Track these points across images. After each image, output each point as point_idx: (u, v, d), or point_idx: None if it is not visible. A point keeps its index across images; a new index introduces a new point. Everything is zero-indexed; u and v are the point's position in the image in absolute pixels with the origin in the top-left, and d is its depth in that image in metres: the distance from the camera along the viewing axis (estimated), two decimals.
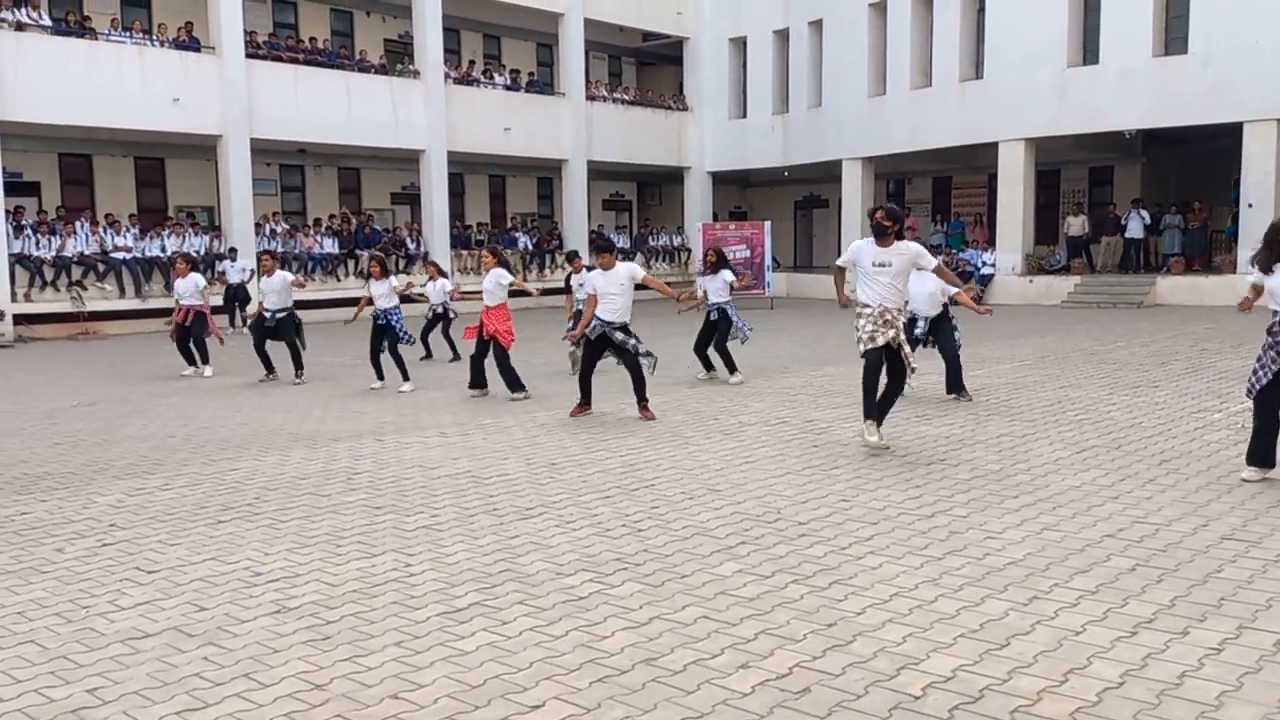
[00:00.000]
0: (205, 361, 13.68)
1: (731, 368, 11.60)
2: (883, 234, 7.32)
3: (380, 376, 11.89)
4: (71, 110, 19.89)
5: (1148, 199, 24.78)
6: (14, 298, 19.52)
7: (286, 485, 6.95)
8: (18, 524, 6.09)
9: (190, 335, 13.67)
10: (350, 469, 7.43)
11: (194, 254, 20.60)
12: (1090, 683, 3.55)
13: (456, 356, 14.51)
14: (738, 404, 9.98)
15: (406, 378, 11.80)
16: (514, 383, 10.70)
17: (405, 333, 11.96)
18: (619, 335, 9.20)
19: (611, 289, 9.24)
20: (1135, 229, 24.00)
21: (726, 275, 11.66)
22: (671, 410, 9.68)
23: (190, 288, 13.55)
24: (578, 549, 5.28)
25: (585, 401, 9.58)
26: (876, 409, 7.50)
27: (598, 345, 9.34)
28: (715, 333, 11.61)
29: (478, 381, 11.01)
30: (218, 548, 5.50)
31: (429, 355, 14.84)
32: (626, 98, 30.78)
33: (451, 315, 14.93)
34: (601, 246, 9.60)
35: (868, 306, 7.39)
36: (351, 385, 12.27)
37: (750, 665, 3.78)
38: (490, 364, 10.80)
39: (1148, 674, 3.61)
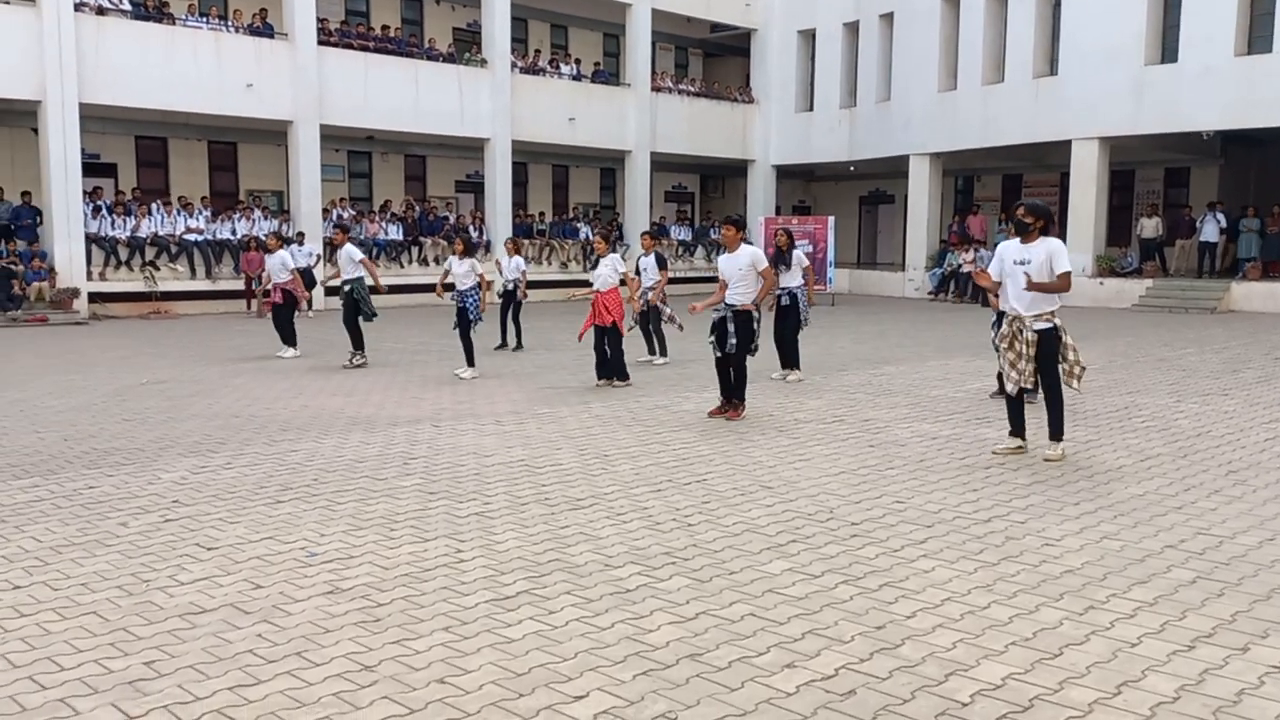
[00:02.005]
0: (291, 344, 13.92)
1: (790, 363, 11.30)
2: (1025, 231, 7.04)
3: (471, 362, 11.80)
4: (149, 94, 20.36)
5: (1225, 202, 24.11)
6: (90, 276, 20.08)
7: (344, 468, 7.06)
8: (85, 498, 6.26)
9: (280, 314, 13.94)
10: (406, 454, 7.52)
11: (265, 237, 21.06)
12: (1144, 696, 3.47)
13: (520, 345, 14.55)
14: (794, 401, 9.91)
15: (471, 364, 11.78)
16: (622, 370, 10.78)
17: (478, 315, 11.79)
18: (731, 339, 8.66)
19: (730, 273, 8.68)
20: (1210, 232, 23.34)
21: (798, 256, 11.28)
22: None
23: (277, 264, 13.87)
24: (627, 542, 5.29)
25: (725, 399, 9.06)
26: (1022, 427, 7.40)
27: (719, 330, 8.81)
28: (786, 321, 11.24)
29: (610, 370, 10.87)
30: (275, 527, 5.60)
31: (504, 344, 14.59)
32: (692, 89, 30.69)
33: (520, 297, 14.80)
34: (731, 221, 9.02)
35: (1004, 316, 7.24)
36: (412, 371, 12.41)
37: (796, 665, 3.75)
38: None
39: (1204, 690, 3.52)
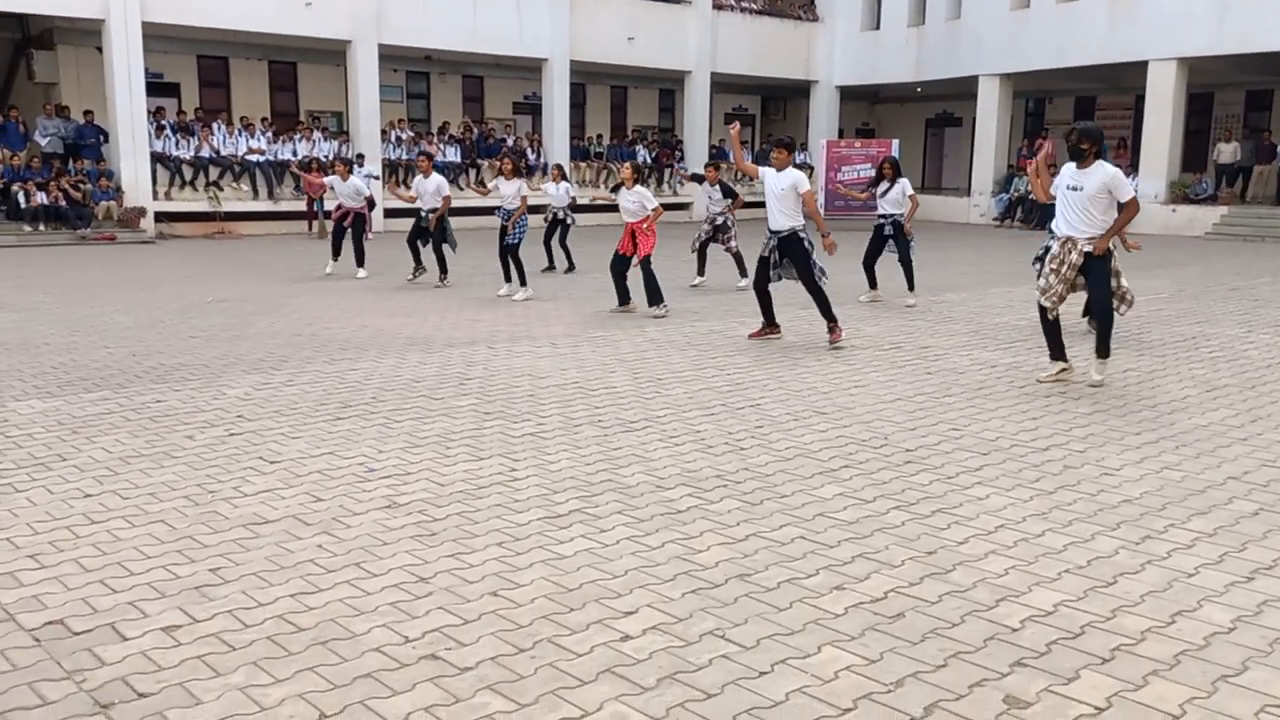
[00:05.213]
0: (360, 264, 14.17)
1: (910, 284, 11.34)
2: (1080, 157, 6.95)
3: (508, 279, 11.98)
4: (209, 12, 20.40)
5: None
6: (155, 196, 20.39)
7: (402, 387, 7.16)
8: (153, 411, 6.43)
9: (345, 234, 14.17)
10: (463, 374, 7.60)
11: (325, 159, 21.21)
12: (1198, 626, 3.44)
13: (572, 267, 14.63)
14: (851, 327, 9.79)
15: (524, 283, 11.83)
16: (657, 295, 10.55)
17: (518, 236, 11.78)
18: (773, 267, 8.68)
19: (772, 194, 8.60)
20: None
21: (906, 186, 11.07)
22: (783, 330, 9.56)
23: (351, 190, 14.02)
24: (679, 464, 5.31)
25: (768, 323, 9.10)
26: (1062, 350, 7.31)
27: (764, 262, 8.80)
28: (884, 247, 11.20)
29: (624, 298, 10.79)
30: (335, 443, 5.72)
31: (551, 266, 14.75)
32: (755, 7, 29.89)
33: (570, 223, 14.84)
34: (779, 143, 8.77)
35: (1055, 238, 7.12)
36: (469, 293, 12.49)
37: (845, 587, 3.77)
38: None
39: (1262, 621, 3.47)
